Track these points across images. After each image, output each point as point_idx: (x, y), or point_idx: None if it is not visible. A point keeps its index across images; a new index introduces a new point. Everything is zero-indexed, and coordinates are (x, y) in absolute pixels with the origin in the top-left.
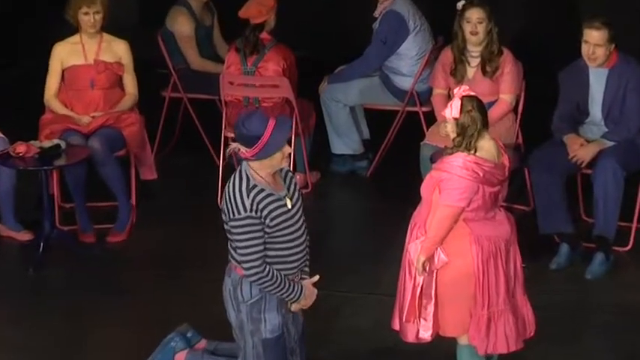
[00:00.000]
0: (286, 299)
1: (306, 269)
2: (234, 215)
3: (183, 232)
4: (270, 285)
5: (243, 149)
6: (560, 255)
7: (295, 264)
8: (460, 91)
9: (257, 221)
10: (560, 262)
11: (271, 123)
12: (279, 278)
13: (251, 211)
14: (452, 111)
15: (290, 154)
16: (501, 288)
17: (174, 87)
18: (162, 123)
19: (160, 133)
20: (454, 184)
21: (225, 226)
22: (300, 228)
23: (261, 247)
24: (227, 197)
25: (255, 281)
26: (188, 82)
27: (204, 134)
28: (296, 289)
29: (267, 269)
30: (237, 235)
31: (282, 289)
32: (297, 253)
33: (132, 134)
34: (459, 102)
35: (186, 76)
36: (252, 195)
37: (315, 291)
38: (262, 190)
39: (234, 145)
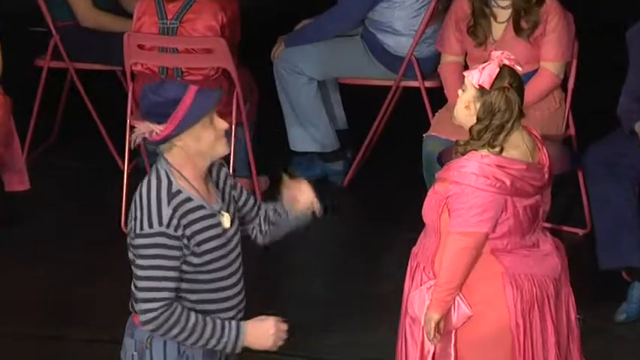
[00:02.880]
0: (217, 349)
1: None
2: (141, 229)
3: (67, 272)
4: (179, 332)
5: (156, 129)
6: (631, 301)
7: (230, 313)
8: (503, 55)
9: (174, 243)
10: (630, 310)
11: (193, 86)
12: (193, 320)
13: (168, 225)
14: (480, 76)
15: (226, 132)
16: (551, 350)
17: (55, 53)
18: (37, 107)
19: (34, 122)
20: (468, 200)
21: (130, 252)
22: (235, 260)
23: (171, 284)
24: (137, 204)
25: (153, 330)
26: (76, 45)
27: (101, 123)
28: (226, 330)
29: (170, 310)
30: (140, 259)
31: (200, 336)
32: (230, 298)
33: None
34: (496, 69)
35: (74, 36)
36: (174, 203)
37: (282, 328)
38: (189, 199)
39: (141, 128)
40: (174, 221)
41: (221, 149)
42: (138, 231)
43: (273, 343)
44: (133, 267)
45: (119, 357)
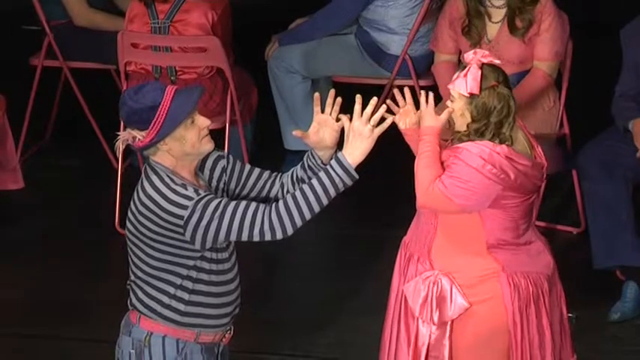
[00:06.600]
0: (335, 192)
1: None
2: (181, 217)
3: (62, 272)
4: (296, 214)
5: (138, 135)
6: (626, 300)
7: (229, 308)
8: (478, 55)
9: (210, 195)
10: (625, 309)
11: (171, 88)
12: (291, 201)
13: (197, 194)
14: (467, 84)
15: (207, 128)
16: (547, 348)
17: (49, 52)
18: (30, 106)
19: (27, 122)
20: (463, 173)
21: (175, 234)
22: (231, 256)
23: (245, 201)
24: (149, 204)
25: (290, 229)
26: (70, 44)
27: (95, 123)
28: (331, 172)
29: (274, 210)
30: (212, 225)
31: (311, 201)
32: (230, 293)
33: None
34: (478, 71)
35: (68, 35)
36: (190, 187)
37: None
38: (194, 190)
39: (124, 135)
40: (199, 192)
41: (206, 146)
42: (181, 222)
43: (372, 139)
44: (219, 235)
45: (113, 357)
